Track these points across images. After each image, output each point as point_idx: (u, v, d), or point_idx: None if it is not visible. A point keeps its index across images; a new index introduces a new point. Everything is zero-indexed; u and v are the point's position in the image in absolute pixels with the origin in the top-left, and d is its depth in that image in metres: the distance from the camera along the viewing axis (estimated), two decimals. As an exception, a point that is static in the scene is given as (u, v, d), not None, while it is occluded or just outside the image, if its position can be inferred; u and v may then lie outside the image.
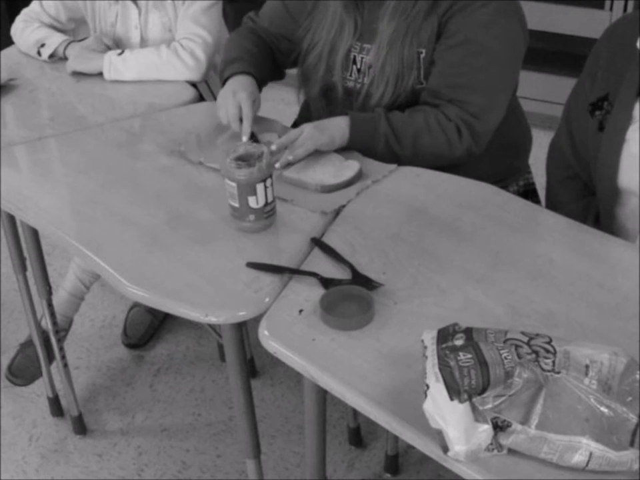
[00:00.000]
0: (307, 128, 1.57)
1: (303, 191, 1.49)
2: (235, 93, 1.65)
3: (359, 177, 1.51)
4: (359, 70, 1.69)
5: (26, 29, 2.11)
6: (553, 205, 1.61)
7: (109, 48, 2.02)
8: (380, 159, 1.58)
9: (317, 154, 1.57)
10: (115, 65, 1.96)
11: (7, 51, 2.16)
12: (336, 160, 1.56)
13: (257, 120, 1.67)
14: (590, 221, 1.51)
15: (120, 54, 1.97)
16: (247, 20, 1.90)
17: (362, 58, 1.68)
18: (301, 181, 1.50)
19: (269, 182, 1.35)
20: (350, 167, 1.53)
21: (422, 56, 1.61)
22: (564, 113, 1.59)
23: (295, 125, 1.93)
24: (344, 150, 1.60)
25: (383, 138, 1.58)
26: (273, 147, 1.54)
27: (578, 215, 1.49)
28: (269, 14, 1.86)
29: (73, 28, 2.22)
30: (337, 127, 1.59)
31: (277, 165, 1.51)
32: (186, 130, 1.72)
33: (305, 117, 1.87)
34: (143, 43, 2.09)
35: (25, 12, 2.16)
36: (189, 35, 1.99)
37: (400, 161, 1.59)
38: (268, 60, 1.82)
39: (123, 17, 2.08)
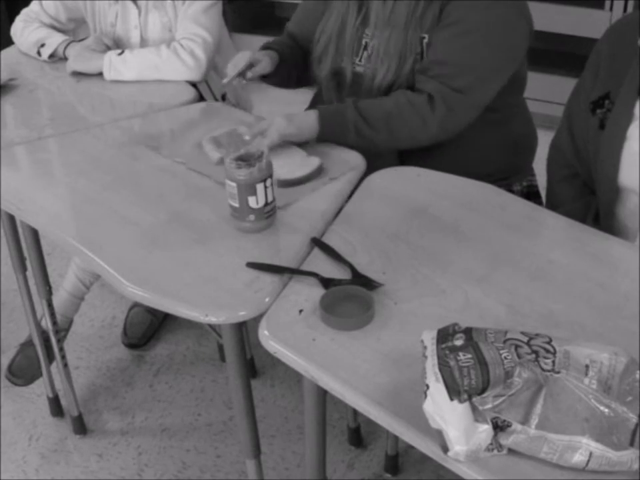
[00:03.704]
0: (277, 119, 1.59)
1: None
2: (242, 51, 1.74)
3: (317, 173, 1.51)
4: (370, 56, 1.71)
5: (26, 28, 2.12)
6: (552, 204, 1.61)
7: (108, 48, 2.02)
8: (356, 149, 1.59)
9: (280, 149, 1.57)
10: (115, 65, 1.96)
11: (6, 51, 2.16)
12: (297, 155, 1.56)
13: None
14: (590, 220, 1.51)
15: (120, 54, 1.97)
16: (285, 31, 1.94)
17: (366, 43, 1.70)
18: None
19: (268, 182, 1.35)
20: (309, 163, 1.52)
21: (425, 41, 1.63)
22: (565, 111, 1.59)
23: None
24: (311, 145, 1.61)
25: (352, 126, 1.59)
26: (247, 137, 1.55)
27: (578, 213, 1.49)
28: (295, 18, 1.92)
29: (73, 28, 2.22)
30: (306, 120, 1.61)
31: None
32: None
33: (317, 103, 1.89)
34: (143, 42, 2.09)
35: (24, 12, 2.16)
36: (188, 34, 1.99)
37: (378, 147, 1.60)
38: (298, 60, 1.85)
39: (123, 17, 2.08)
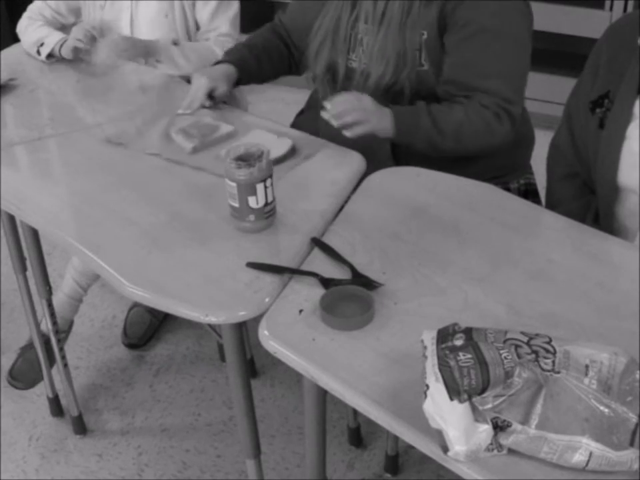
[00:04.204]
0: (366, 99, 1.58)
1: None
2: (198, 78, 1.76)
3: (291, 153, 1.57)
4: (363, 52, 1.72)
5: (29, 26, 2.10)
6: (552, 204, 1.61)
7: (93, 37, 1.99)
8: (421, 152, 1.62)
9: (251, 133, 1.64)
10: (175, 57, 1.98)
11: (6, 51, 2.16)
12: (270, 138, 1.60)
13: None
14: (589, 219, 1.51)
15: (175, 44, 2.00)
16: (275, 19, 1.97)
17: (361, 38, 1.71)
18: None
19: (269, 182, 1.35)
20: (283, 144, 1.59)
21: (424, 37, 1.64)
22: (565, 111, 1.59)
23: (302, 112, 1.95)
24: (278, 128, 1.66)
25: (424, 133, 1.61)
26: (329, 114, 1.55)
27: (577, 213, 1.49)
28: (289, 10, 1.95)
29: (74, 23, 2.20)
30: (385, 120, 1.60)
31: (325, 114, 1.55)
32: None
33: (311, 103, 1.91)
34: (133, 24, 2.08)
35: (30, 8, 2.15)
36: (228, 33, 2.07)
37: (441, 153, 1.63)
38: (274, 54, 1.88)
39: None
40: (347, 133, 1.55)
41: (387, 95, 1.67)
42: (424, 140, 1.61)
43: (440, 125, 1.61)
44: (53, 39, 2.06)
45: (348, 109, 1.55)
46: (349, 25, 1.73)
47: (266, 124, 1.71)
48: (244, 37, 1.95)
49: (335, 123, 1.54)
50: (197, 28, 2.12)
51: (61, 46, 2.03)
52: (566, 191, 1.60)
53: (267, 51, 1.87)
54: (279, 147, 1.57)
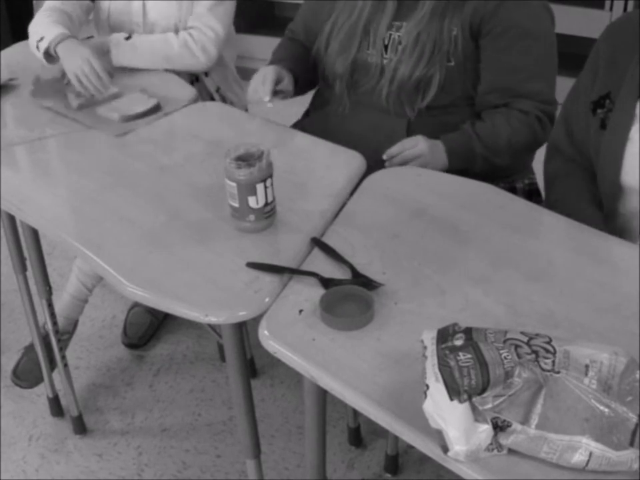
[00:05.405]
0: (421, 144, 1.63)
1: (107, 120, 1.78)
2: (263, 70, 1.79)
3: (155, 110, 1.80)
4: (385, 46, 1.73)
5: (39, 13, 2.00)
6: (551, 204, 1.60)
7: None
8: (478, 172, 1.65)
9: (126, 93, 1.86)
10: (124, 50, 1.94)
11: (6, 51, 2.16)
12: (139, 95, 1.85)
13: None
14: (593, 209, 1.50)
15: (127, 38, 1.95)
16: (287, 32, 1.97)
17: (390, 35, 1.72)
18: (107, 115, 1.79)
19: (269, 182, 1.35)
20: (148, 102, 1.81)
21: (453, 34, 1.66)
22: (561, 112, 1.59)
23: (307, 113, 1.95)
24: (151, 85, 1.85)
25: (480, 158, 1.67)
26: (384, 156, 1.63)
27: (577, 213, 1.49)
28: (299, 17, 1.95)
29: (88, 16, 2.15)
30: (441, 157, 1.65)
31: (386, 164, 1.62)
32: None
33: (318, 103, 1.89)
34: (145, 6, 2.04)
35: (46, 6, 2.04)
36: (202, 25, 1.99)
37: (497, 168, 1.70)
38: (307, 63, 1.88)
39: None
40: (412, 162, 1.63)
41: (417, 88, 1.69)
42: (482, 163, 1.67)
43: (494, 149, 1.67)
44: (52, 32, 1.90)
45: (403, 161, 1.62)
46: (374, 23, 1.73)
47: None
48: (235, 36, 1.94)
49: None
50: None
51: (57, 44, 1.89)
52: (563, 191, 1.60)
53: (301, 56, 1.88)
54: (144, 104, 1.80)
